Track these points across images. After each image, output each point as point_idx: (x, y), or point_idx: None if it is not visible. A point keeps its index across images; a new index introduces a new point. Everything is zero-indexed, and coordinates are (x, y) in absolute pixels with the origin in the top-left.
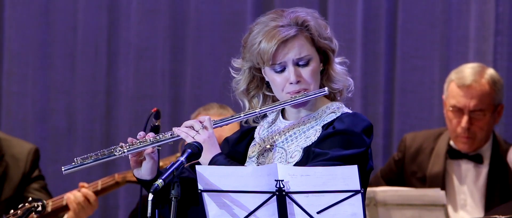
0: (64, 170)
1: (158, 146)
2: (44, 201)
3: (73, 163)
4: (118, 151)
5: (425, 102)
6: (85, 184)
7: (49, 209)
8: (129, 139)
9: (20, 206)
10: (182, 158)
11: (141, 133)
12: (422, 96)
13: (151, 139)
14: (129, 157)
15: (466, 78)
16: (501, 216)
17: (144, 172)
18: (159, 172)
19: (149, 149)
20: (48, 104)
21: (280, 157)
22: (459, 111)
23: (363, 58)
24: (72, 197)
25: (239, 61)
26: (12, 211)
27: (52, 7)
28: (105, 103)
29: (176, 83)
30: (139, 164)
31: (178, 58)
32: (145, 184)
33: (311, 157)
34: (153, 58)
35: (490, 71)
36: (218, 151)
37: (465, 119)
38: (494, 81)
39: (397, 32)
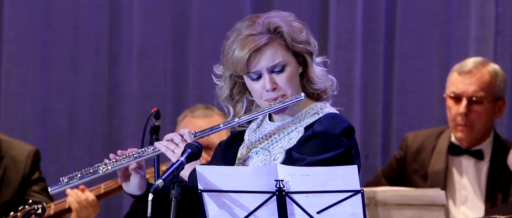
0: (51, 190)
1: (141, 160)
2: (44, 204)
3: (59, 183)
4: (102, 168)
5: (424, 102)
6: (85, 187)
7: (51, 212)
8: (111, 155)
9: (20, 208)
10: (182, 158)
11: (119, 152)
12: (421, 97)
13: (134, 154)
14: (117, 173)
15: (467, 66)
16: (501, 216)
17: (133, 187)
18: (149, 186)
19: (133, 165)
20: (49, 104)
21: (264, 159)
22: (458, 97)
23: (362, 58)
24: (74, 195)
25: (220, 68)
26: (12, 213)
27: (53, 7)
28: (107, 103)
29: (178, 83)
30: (127, 178)
31: (179, 58)
32: (137, 199)
33: (291, 160)
34: (154, 58)
35: (494, 64)
36: (199, 162)
37: (463, 104)
38: (495, 72)
39: (396, 32)
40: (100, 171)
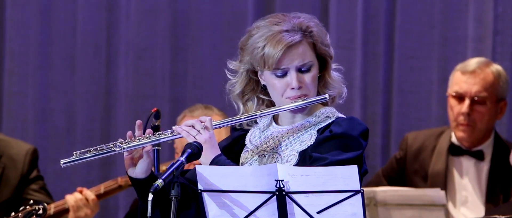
0: (63, 163)
1: (158, 143)
2: (45, 205)
3: (72, 157)
4: (117, 146)
5: (424, 102)
6: (84, 189)
7: (51, 211)
8: (129, 133)
9: (21, 209)
10: (182, 158)
11: (136, 132)
12: (420, 97)
13: (151, 136)
14: (124, 156)
15: (470, 66)
16: (501, 216)
17: (139, 170)
18: (152, 171)
19: (148, 147)
20: (47, 104)
21: (274, 162)
22: (461, 97)
23: (362, 58)
24: (72, 197)
25: (235, 64)
26: (12, 213)
27: (52, 7)
28: (105, 103)
29: (176, 83)
30: (134, 163)
31: (178, 58)
32: (139, 183)
33: (307, 160)
34: (153, 58)
35: (497, 65)
36: (219, 151)
37: (466, 104)
38: (499, 73)
39: (396, 32)
40: (116, 149)
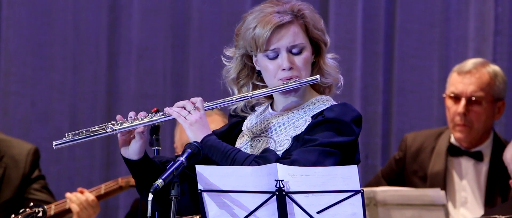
0: (55, 145)
1: (150, 124)
2: (45, 207)
3: (64, 138)
4: (109, 128)
5: (424, 102)
6: (84, 190)
7: (52, 212)
8: (118, 117)
9: (21, 211)
10: (182, 158)
11: (131, 113)
12: (421, 96)
13: (143, 117)
14: (118, 136)
15: (466, 66)
16: (500, 216)
17: (132, 151)
18: (146, 153)
19: (140, 128)
20: (49, 105)
21: (268, 147)
22: (457, 97)
23: (363, 58)
24: (74, 198)
25: (231, 50)
26: (13, 215)
27: (52, 7)
28: (107, 103)
29: (177, 83)
30: (127, 143)
31: (179, 58)
32: (132, 164)
33: (301, 144)
34: (154, 58)
35: (494, 65)
36: (209, 131)
37: (462, 104)
38: (495, 73)
39: (396, 32)
40: (107, 131)
